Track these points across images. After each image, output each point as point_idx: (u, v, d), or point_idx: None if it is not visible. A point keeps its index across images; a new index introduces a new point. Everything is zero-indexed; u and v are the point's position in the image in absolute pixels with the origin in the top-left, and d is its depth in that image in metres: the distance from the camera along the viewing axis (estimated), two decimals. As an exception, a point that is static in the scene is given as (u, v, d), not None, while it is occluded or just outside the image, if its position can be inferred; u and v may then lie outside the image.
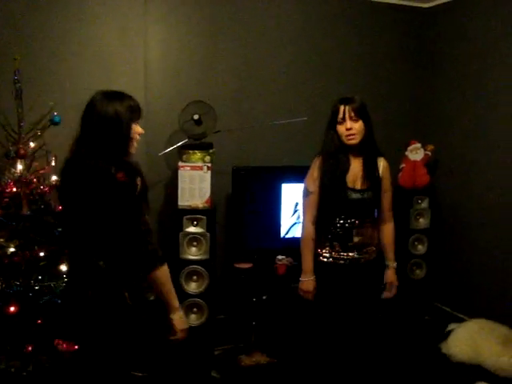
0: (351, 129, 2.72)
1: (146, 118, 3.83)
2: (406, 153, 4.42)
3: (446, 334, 3.91)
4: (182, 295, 3.56)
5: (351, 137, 2.74)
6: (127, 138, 2.16)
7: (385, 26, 4.65)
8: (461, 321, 4.11)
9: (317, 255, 2.88)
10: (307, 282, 2.87)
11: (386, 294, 3.00)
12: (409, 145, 4.42)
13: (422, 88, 4.80)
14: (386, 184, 2.92)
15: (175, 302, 2.36)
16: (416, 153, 4.40)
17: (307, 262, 2.87)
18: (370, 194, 2.82)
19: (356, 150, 2.81)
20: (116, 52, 3.75)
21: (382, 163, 2.90)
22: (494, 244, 4.15)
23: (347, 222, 2.81)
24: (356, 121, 2.73)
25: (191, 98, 3.73)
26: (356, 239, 2.83)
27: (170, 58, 4.01)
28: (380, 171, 2.88)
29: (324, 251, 2.86)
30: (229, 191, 3.94)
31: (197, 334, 3.63)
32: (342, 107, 2.74)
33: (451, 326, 4.01)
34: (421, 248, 4.41)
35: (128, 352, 2.27)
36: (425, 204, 4.41)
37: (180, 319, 2.38)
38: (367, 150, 2.82)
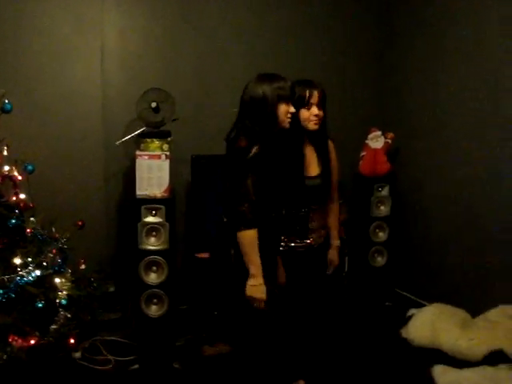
0: (318, 115, 2.70)
1: (103, 106, 3.81)
2: (367, 141, 4.44)
3: (407, 320, 3.95)
4: (142, 286, 3.53)
5: (316, 121, 2.71)
6: (272, 116, 2.39)
7: (346, 12, 4.64)
8: (421, 306, 4.15)
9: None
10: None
11: (328, 270, 2.99)
12: (369, 133, 4.44)
13: (382, 75, 4.82)
14: (335, 166, 2.93)
15: (250, 268, 2.39)
16: (376, 141, 4.42)
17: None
18: (324, 179, 2.83)
19: (309, 135, 2.79)
20: (71, 39, 3.71)
21: (330, 146, 2.91)
22: (452, 230, 4.20)
23: (303, 210, 2.79)
24: (320, 107, 2.71)
25: (149, 86, 3.67)
26: (312, 225, 2.83)
27: (127, 45, 3.95)
28: (331, 154, 2.90)
29: (286, 241, 2.80)
30: (188, 180, 3.90)
31: (158, 325, 3.60)
32: (307, 91, 2.68)
33: (411, 312, 4.05)
34: (382, 235, 4.45)
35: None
36: (385, 192, 4.44)
37: (250, 286, 2.40)
38: (321, 135, 2.82)
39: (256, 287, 2.39)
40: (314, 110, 2.69)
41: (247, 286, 2.41)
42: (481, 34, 3.88)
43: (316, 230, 2.84)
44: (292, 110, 2.45)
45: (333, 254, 2.97)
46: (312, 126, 2.72)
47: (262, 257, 2.41)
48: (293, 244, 2.81)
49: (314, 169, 2.81)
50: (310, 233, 2.83)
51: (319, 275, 2.91)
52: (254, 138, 2.37)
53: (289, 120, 2.46)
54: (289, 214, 2.76)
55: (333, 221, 2.99)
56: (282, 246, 2.77)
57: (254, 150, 2.35)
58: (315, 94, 2.68)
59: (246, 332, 2.66)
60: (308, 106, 2.68)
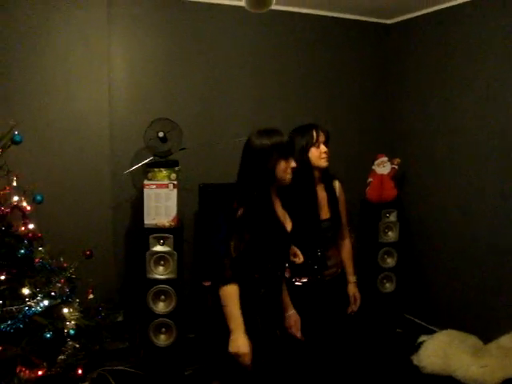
0: (327, 152, 2.87)
1: (111, 136, 3.85)
2: (373, 167, 4.46)
3: (417, 346, 3.91)
4: (150, 315, 3.52)
5: (326, 158, 2.87)
6: (271, 173, 2.38)
7: (349, 42, 4.73)
8: (431, 332, 4.11)
9: (291, 282, 2.90)
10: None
11: (351, 308, 3.06)
12: (376, 159, 4.45)
13: (387, 102, 4.86)
14: (343, 204, 3.06)
15: (229, 323, 2.35)
16: (383, 166, 4.44)
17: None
18: (334, 220, 2.97)
19: (317, 176, 2.93)
20: (79, 71, 3.73)
21: (337, 185, 3.04)
22: (461, 255, 4.19)
23: (319, 250, 2.93)
24: (327, 145, 2.89)
25: (156, 116, 3.72)
26: (329, 263, 2.97)
27: (134, 77, 4.00)
28: (337, 193, 3.02)
29: (299, 278, 2.93)
30: (196, 209, 3.92)
31: (166, 354, 3.58)
32: (314, 131, 2.86)
33: (422, 338, 4.01)
34: (390, 261, 4.43)
35: None
36: (393, 217, 4.44)
37: (231, 342, 2.33)
38: (326, 175, 2.97)
39: (236, 342, 2.32)
40: (323, 147, 2.85)
41: (230, 342, 2.34)
42: (479, 64, 3.94)
43: (331, 266, 2.98)
44: (293, 164, 2.42)
45: (351, 289, 3.08)
46: (324, 162, 2.86)
47: (251, 314, 2.42)
48: (311, 279, 2.93)
49: (325, 212, 2.95)
50: (328, 270, 2.97)
51: (332, 308, 2.98)
52: (243, 198, 2.39)
53: (289, 176, 2.44)
54: (305, 255, 2.81)
55: (346, 257, 3.09)
56: (300, 281, 2.92)
57: (240, 212, 2.37)
58: (321, 133, 2.87)
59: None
60: (317, 144, 2.85)
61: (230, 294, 2.34)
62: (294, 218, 2.58)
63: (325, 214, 2.94)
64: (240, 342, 2.30)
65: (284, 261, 2.62)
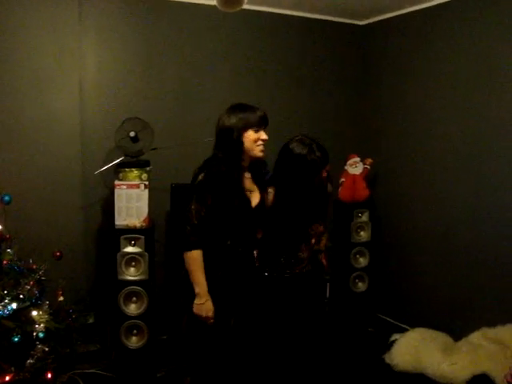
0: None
1: (82, 135, 3.80)
2: (346, 167, 4.48)
3: (389, 345, 3.94)
4: (121, 317, 3.48)
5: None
6: (237, 144, 2.46)
7: (323, 43, 4.74)
8: (403, 331, 4.15)
9: (260, 271, 2.79)
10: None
11: None
12: (348, 159, 4.48)
13: (359, 102, 4.89)
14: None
15: (195, 287, 2.48)
16: (355, 167, 4.46)
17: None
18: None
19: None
20: (50, 70, 3.68)
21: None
22: (432, 254, 4.24)
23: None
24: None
25: (128, 115, 3.68)
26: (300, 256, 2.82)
27: (106, 76, 3.94)
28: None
29: (268, 267, 2.79)
30: (168, 209, 3.89)
31: (138, 356, 3.54)
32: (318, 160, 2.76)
33: (394, 337, 4.05)
34: (362, 261, 4.45)
35: None
36: (365, 217, 4.46)
37: (196, 305, 2.48)
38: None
39: (201, 305, 2.47)
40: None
41: (194, 305, 2.49)
42: (452, 64, 3.99)
43: (302, 261, 2.82)
44: (264, 137, 2.49)
45: None
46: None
47: (221, 280, 2.51)
48: (279, 270, 2.78)
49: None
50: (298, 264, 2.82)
51: (302, 303, 2.86)
52: (206, 164, 2.51)
53: (261, 148, 2.50)
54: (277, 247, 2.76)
55: None
56: (268, 271, 2.77)
57: (200, 177, 2.48)
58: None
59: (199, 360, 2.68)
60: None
61: (195, 259, 2.44)
62: (231, 202, 2.52)
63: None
64: (205, 306, 2.46)
65: (246, 237, 2.60)
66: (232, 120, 2.49)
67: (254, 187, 2.63)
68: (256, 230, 2.71)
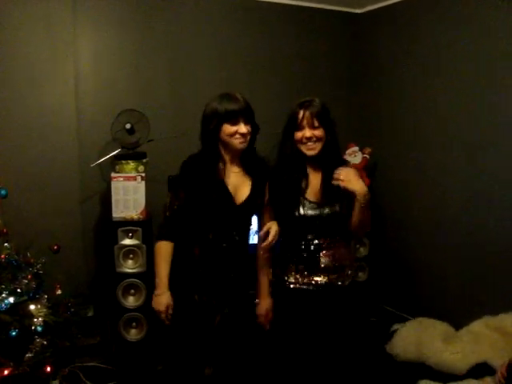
0: (311, 137, 2.44)
1: (78, 128, 3.78)
2: (345, 156, 4.44)
3: (391, 335, 3.93)
4: (120, 310, 3.48)
5: (310, 146, 2.45)
6: (213, 135, 2.37)
7: (320, 31, 4.70)
8: (405, 321, 4.14)
9: (281, 280, 2.57)
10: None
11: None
12: (347, 148, 4.44)
13: (358, 91, 4.85)
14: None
15: (155, 279, 2.45)
16: (354, 156, 4.43)
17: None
18: (330, 209, 2.48)
19: (316, 161, 2.52)
20: (44, 63, 3.66)
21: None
22: (433, 244, 4.22)
23: (313, 243, 2.50)
24: (316, 128, 2.45)
25: (124, 107, 3.66)
26: (324, 262, 2.50)
27: (101, 68, 3.92)
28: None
29: (289, 276, 2.54)
30: (166, 201, 3.86)
31: (138, 349, 3.53)
32: (301, 112, 2.46)
33: (395, 327, 4.03)
34: (362, 250, 4.44)
35: None
36: (365, 206, 4.43)
37: (153, 297, 2.45)
38: (328, 160, 2.51)
39: (157, 297, 2.42)
40: (306, 132, 2.44)
41: (152, 297, 2.46)
42: (449, 52, 3.96)
43: (331, 268, 2.51)
44: (242, 130, 2.35)
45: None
46: (306, 150, 2.47)
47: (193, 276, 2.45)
48: (303, 281, 2.53)
49: (317, 197, 2.52)
50: (324, 270, 2.51)
51: (332, 322, 2.58)
52: (187, 160, 2.48)
53: (239, 141, 2.37)
54: (294, 246, 2.54)
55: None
56: (291, 282, 2.55)
57: (179, 172, 2.46)
58: (307, 114, 2.46)
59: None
60: (301, 128, 2.47)
61: (160, 249, 2.43)
62: (208, 198, 2.40)
63: (317, 199, 2.50)
64: (161, 299, 2.39)
65: (232, 232, 2.48)
66: (210, 111, 2.40)
67: (244, 181, 2.49)
68: (247, 225, 2.57)
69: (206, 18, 4.21)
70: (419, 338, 3.74)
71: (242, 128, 2.36)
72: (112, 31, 3.93)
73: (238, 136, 2.36)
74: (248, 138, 2.40)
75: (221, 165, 2.45)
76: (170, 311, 2.41)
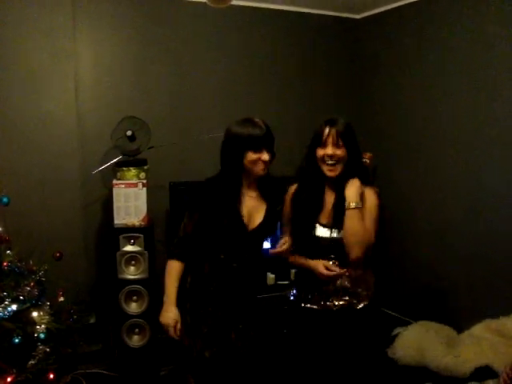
0: (332, 156, 2.41)
1: (79, 135, 3.80)
2: (345, 161, 4.45)
3: (392, 339, 3.93)
4: (122, 316, 3.48)
5: (331, 167, 2.43)
6: (236, 163, 2.38)
7: (319, 38, 4.73)
8: (406, 324, 4.13)
9: (298, 301, 2.61)
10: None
11: None
12: (347, 153, 4.44)
13: (358, 97, 4.87)
14: (368, 216, 2.53)
15: (164, 296, 2.50)
16: (354, 161, 4.43)
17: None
18: (339, 233, 2.46)
19: (335, 182, 2.50)
20: (44, 69, 3.68)
21: (368, 194, 2.54)
22: (433, 247, 4.23)
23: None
24: (339, 147, 2.42)
25: (125, 114, 3.68)
26: (339, 285, 2.50)
27: (102, 74, 3.96)
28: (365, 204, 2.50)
29: (305, 297, 2.57)
30: (167, 207, 3.88)
31: (141, 355, 3.54)
32: (326, 129, 2.44)
33: (397, 330, 4.03)
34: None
35: None
36: (365, 211, 4.43)
37: (162, 313, 2.50)
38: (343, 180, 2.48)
39: (164, 313, 2.48)
40: (328, 149, 2.42)
41: (161, 313, 2.51)
42: (449, 56, 3.98)
43: (344, 289, 2.51)
44: (264, 157, 2.36)
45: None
46: (326, 171, 2.44)
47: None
48: (321, 302, 2.53)
49: (329, 219, 2.51)
50: (335, 292, 2.51)
51: (346, 345, 2.59)
52: (205, 182, 2.50)
53: (260, 168, 2.39)
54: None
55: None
56: (309, 301, 2.57)
57: (195, 193, 2.50)
58: (332, 131, 2.43)
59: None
60: (324, 145, 2.45)
61: (171, 268, 2.47)
62: (220, 220, 2.42)
63: (328, 221, 2.49)
64: (169, 315, 2.45)
65: (243, 253, 2.51)
66: (233, 136, 2.40)
67: (260, 206, 2.51)
68: (259, 248, 2.60)
69: (207, 26, 4.24)
70: (421, 341, 3.73)
71: (265, 156, 2.37)
72: (113, 39, 3.96)
73: (260, 163, 2.38)
74: (268, 164, 2.42)
75: (238, 190, 2.47)
76: (179, 326, 2.47)
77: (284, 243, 2.47)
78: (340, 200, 2.46)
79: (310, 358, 2.59)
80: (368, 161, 4.43)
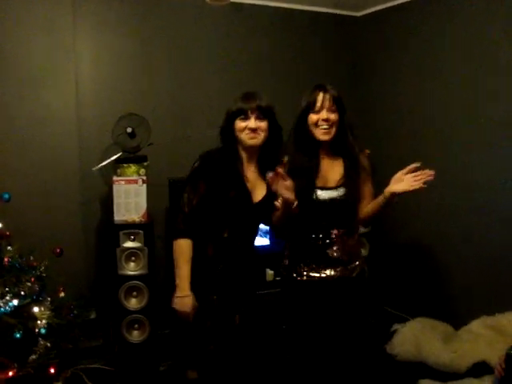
0: (327, 119, 2.43)
1: (79, 132, 3.81)
2: (343, 158, 4.47)
3: (391, 335, 3.96)
4: (122, 312, 3.50)
5: (325, 131, 2.44)
6: (228, 131, 2.43)
7: (319, 35, 4.73)
8: (404, 321, 4.15)
9: (290, 272, 2.58)
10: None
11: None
12: (346, 150, 4.46)
13: (356, 94, 4.87)
14: (364, 179, 2.63)
15: (176, 278, 2.38)
16: (353, 158, 4.45)
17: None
18: (345, 190, 2.50)
19: (328, 147, 2.54)
20: (44, 66, 3.67)
21: (362, 159, 2.62)
22: (431, 244, 4.25)
23: (324, 233, 2.50)
24: (333, 111, 2.46)
25: (125, 111, 3.69)
26: (334, 254, 2.52)
27: (101, 71, 3.97)
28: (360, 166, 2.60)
29: (298, 269, 2.55)
30: (167, 204, 3.90)
31: (140, 350, 3.56)
32: (320, 94, 2.45)
33: (395, 327, 4.06)
34: (362, 251, 4.44)
35: None
36: (364, 208, 4.45)
37: (175, 298, 2.38)
38: (342, 146, 2.55)
39: (180, 299, 2.35)
40: (323, 114, 2.44)
41: (173, 298, 2.38)
42: (449, 55, 3.99)
43: (340, 260, 2.53)
44: (251, 124, 2.38)
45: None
46: (321, 134, 2.46)
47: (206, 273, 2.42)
48: (312, 273, 2.53)
49: (324, 181, 2.52)
50: (333, 263, 2.52)
51: (342, 315, 2.59)
52: (205, 154, 2.48)
53: (249, 136, 2.39)
54: (304, 237, 2.54)
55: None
56: (299, 274, 2.55)
57: (195, 164, 2.45)
58: (327, 96, 2.45)
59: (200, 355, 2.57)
60: (318, 110, 2.47)
61: (181, 248, 2.35)
62: (226, 193, 2.38)
63: (332, 183, 2.51)
64: (185, 301, 2.33)
65: (247, 230, 2.49)
66: (228, 109, 2.48)
67: (260, 181, 2.48)
68: (258, 226, 2.58)
69: (207, 22, 4.25)
70: (419, 338, 3.76)
71: (252, 123, 2.38)
72: (112, 36, 3.96)
73: (247, 131, 2.38)
74: (261, 134, 2.41)
75: (239, 162, 2.46)
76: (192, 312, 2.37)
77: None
78: (351, 164, 2.55)
79: (307, 332, 2.57)
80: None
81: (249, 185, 2.44)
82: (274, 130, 2.46)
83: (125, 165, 3.56)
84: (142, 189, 3.52)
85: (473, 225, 3.89)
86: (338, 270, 2.53)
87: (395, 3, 4.43)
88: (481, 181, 3.83)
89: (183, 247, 2.34)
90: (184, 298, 2.34)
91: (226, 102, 4.22)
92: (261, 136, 2.40)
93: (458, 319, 3.87)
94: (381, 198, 2.54)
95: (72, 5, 3.74)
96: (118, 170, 3.57)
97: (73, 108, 3.77)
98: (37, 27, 3.64)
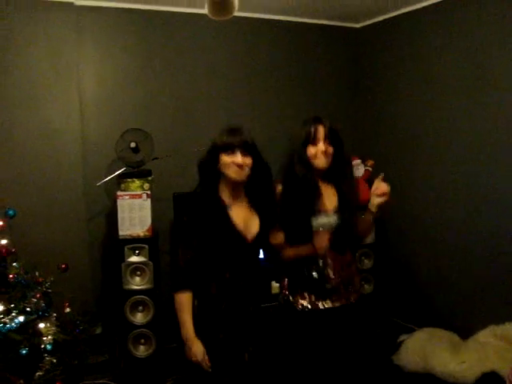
0: (325, 151, 2.49)
1: (83, 147, 3.84)
2: (347, 169, 4.47)
3: (398, 345, 3.93)
4: (128, 326, 3.50)
5: (324, 161, 2.51)
6: (212, 167, 2.38)
7: (319, 47, 4.76)
8: (411, 331, 4.14)
9: (291, 303, 2.59)
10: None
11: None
12: (349, 161, 4.48)
13: (358, 105, 4.90)
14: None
15: (182, 332, 2.37)
16: (357, 169, 4.46)
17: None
18: (340, 216, 2.59)
19: (324, 174, 2.59)
20: (48, 83, 3.73)
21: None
22: (436, 254, 4.24)
23: (322, 262, 2.54)
24: (329, 144, 2.51)
25: (128, 126, 3.72)
26: (331, 284, 2.56)
27: (105, 86, 4.01)
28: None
29: (300, 298, 2.57)
30: (171, 218, 3.90)
31: (146, 365, 3.55)
32: (316, 127, 2.50)
33: (402, 337, 4.04)
34: (367, 263, 4.45)
35: None
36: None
37: (187, 350, 2.35)
38: (338, 173, 2.62)
39: (191, 350, 2.33)
40: (321, 146, 2.49)
41: (185, 349, 2.36)
42: (448, 64, 4.01)
43: (339, 287, 2.58)
44: (237, 160, 2.32)
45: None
46: (318, 162, 2.51)
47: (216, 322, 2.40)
48: (315, 302, 2.56)
49: (328, 206, 2.59)
50: (333, 290, 2.56)
51: (345, 343, 2.63)
52: (189, 203, 2.45)
53: (234, 170, 2.34)
54: (304, 265, 2.56)
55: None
56: (302, 304, 2.57)
57: (184, 219, 2.40)
58: (321, 128, 2.50)
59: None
60: (314, 142, 2.50)
61: (181, 301, 2.36)
62: (218, 238, 2.37)
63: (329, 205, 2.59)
64: (194, 350, 2.32)
65: (247, 269, 2.47)
66: (210, 146, 2.42)
67: (252, 214, 2.46)
68: (256, 261, 2.55)
69: (209, 39, 4.29)
70: (426, 348, 3.74)
71: (238, 158, 2.32)
72: (116, 52, 4.01)
73: (233, 166, 2.33)
74: (246, 169, 2.36)
75: (224, 207, 2.40)
76: (207, 357, 2.34)
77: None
78: (342, 192, 2.65)
79: (311, 360, 2.58)
80: (370, 168, 4.47)
81: (240, 225, 2.41)
82: (258, 166, 2.43)
83: (129, 179, 3.57)
84: (147, 203, 3.53)
85: (481, 232, 3.87)
86: (335, 300, 2.57)
87: (394, 14, 4.47)
88: (484, 182, 3.82)
89: (183, 300, 2.37)
90: (194, 346, 2.33)
91: (230, 116, 4.31)
92: (245, 171, 2.37)
93: (464, 329, 3.85)
94: (369, 216, 2.67)
95: (76, 23, 3.78)
96: (122, 185, 3.58)
97: (77, 124, 3.80)
98: (41, 44, 3.69)
